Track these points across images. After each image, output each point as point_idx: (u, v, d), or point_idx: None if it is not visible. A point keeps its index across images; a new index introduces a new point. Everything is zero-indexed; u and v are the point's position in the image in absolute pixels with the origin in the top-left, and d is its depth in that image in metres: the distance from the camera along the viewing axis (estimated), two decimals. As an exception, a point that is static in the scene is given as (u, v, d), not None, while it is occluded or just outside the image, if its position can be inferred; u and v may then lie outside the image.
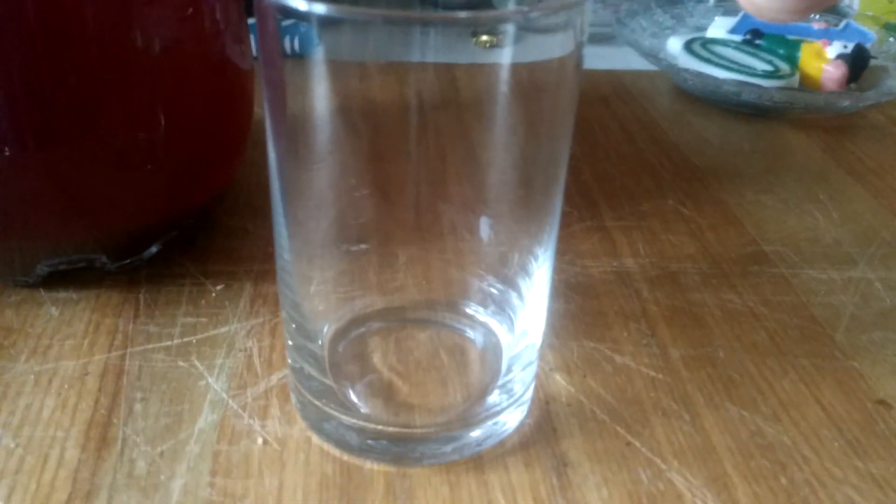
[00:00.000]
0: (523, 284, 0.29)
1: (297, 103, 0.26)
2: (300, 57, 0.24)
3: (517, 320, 0.29)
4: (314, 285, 0.29)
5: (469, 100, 0.26)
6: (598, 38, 0.68)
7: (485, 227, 0.29)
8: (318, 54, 0.24)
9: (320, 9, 0.21)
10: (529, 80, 0.25)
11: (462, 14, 0.23)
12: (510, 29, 0.24)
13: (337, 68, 0.24)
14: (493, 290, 0.30)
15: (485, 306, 0.30)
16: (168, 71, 0.32)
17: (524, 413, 0.29)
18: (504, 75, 0.25)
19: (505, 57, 0.24)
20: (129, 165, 0.32)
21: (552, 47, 0.24)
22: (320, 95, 0.25)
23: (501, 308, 0.30)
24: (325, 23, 0.23)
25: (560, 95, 0.25)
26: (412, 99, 0.26)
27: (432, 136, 0.26)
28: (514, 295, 0.29)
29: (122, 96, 0.31)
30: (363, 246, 0.29)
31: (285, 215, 0.27)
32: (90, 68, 0.30)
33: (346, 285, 0.30)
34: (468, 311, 0.31)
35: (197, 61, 0.34)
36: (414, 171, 0.27)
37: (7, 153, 0.30)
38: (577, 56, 0.25)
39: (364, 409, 0.28)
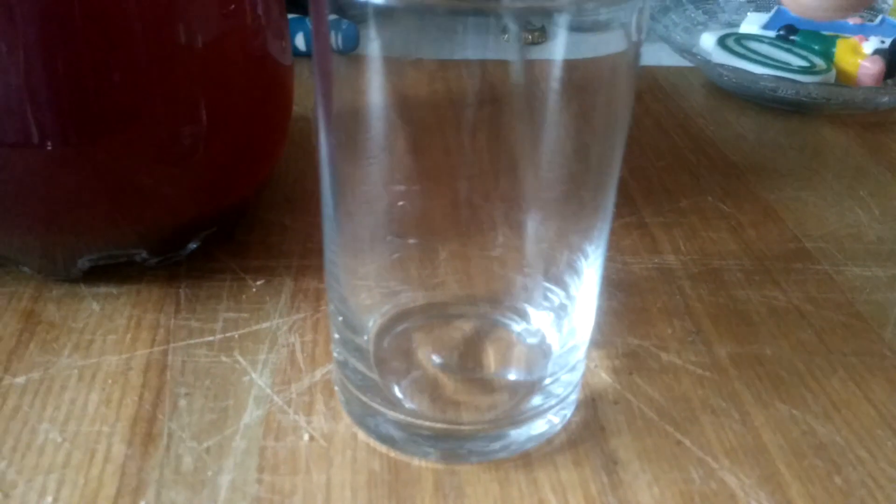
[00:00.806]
0: (572, 282, 0.28)
1: (346, 98, 0.25)
2: (342, 53, 0.24)
3: (565, 318, 0.29)
4: (361, 279, 0.29)
5: (518, 96, 0.26)
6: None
7: (534, 224, 0.28)
8: (369, 50, 0.23)
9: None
10: (578, 77, 0.25)
11: (519, 4, 0.22)
12: (549, 25, 0.24)
13: (385, 64, 0.24)
14: (541, 288, 0.30)
15: (532, 304, 0.30)
16: (211, 65, 0.32)
17: (571, 411, 0.29)
18: (555, 72, 0.24)
19: (556, 53, 0.24)
20: (172, 160, 0.32)
21: (601, 45, 0.24)
22: (369, 90, 0.25)
23: (549, 305, 0.30)
24: (378, 15, 0.22)
25: (612, 94, 0.25)
26: (461, 94, 0.26)
27: (481, 132, 0.26)
28: (562, 293, 0.29)
29: (166, 91, 0.31)
30: (411, 240, 0.29)
31: (335, 209, 0.26)
32: (134, 62, 0.30)
33: (392, 279, 0.30)
34: (515, 307, 0.30)
35: (239, 56, 0.33)
36: (463, 166, 0.27)
37: (50, 147, 0.30)
38: (632, 55, 0.24)
39: (410, 405, 0.28)
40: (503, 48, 0.24)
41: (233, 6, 0.32)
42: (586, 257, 0.27)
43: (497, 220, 0.29)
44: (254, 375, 0.30)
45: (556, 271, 0.29)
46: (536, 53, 0.24)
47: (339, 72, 0.25)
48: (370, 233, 0.29)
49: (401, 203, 0.28)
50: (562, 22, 0.23)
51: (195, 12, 0.31)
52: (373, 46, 0.23)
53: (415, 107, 0.26)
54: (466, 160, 0.27)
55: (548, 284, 0.29)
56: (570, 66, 0.24)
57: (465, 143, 0.27)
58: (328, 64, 0.24)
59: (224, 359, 0.31)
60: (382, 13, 0.22)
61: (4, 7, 0.28)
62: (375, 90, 0.25)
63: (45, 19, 0.28)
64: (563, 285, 0.29)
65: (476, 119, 0.26)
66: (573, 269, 0.28)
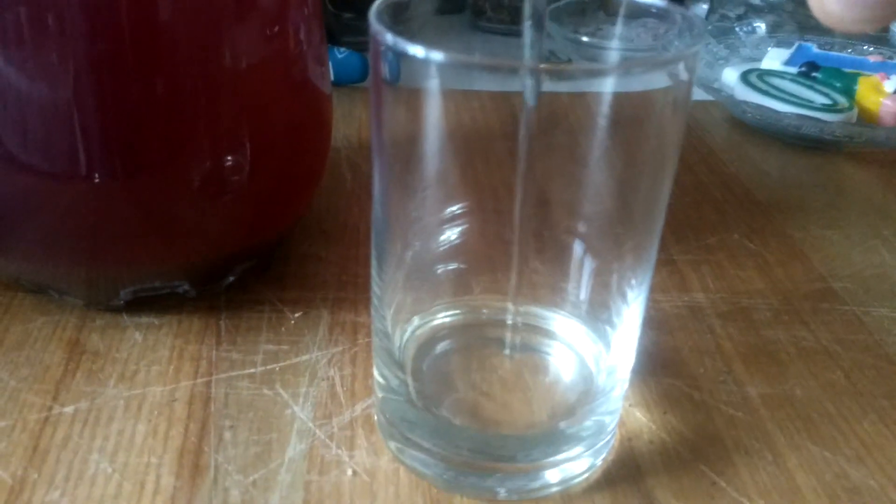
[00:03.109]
0: (613, 320, 0.29)
1: (393, 128, 0.26)
2: (391, 84, 0.25)
3: (606, 356, 0.29)
4: (403, 311, 0.30)
5: (565, 129, 0.27)
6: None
7: (577, 259, 0.29)
8: (414, 81, 0.24)
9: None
10: (624, 113, 0.25)
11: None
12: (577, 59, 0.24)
13: (429, 95, 0.24)
14: (585, 323, 0.30)
15: (575, 339, 0.31)
16: (254, 94, 0.33)
17: (608, 449, 0.29)
18: (601, 106, 0.25)
19: (599, 87, 0.24)
20: (218, 192, 0.33)
21: (644, 82, 0.25)
22: (414, 121, 0.25)
23: (591, 342, 0.30)
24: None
25: (658, 131, 0.26)
26: (507, 127, 0.27)
27: (530, 164, 0.27)
28: (605, 329, 0.30)
29: (210, 122, 0.32)
30: (454, 272, 0.30)
31: (385, 239, 0.27)
32: (181, 93, 0.30)
33: (437, 310, 0.31)
34: (558, 342, 0.31)
35: (283, 82, 0.34)
36: (510, 198, 0.28)
37: (97, 180, 0.31)
38: (681, 93, 0.25)
39: (451, 422, 0.28)
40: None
41: (276, 28, 0.33)
42: (628, 296, 0.28)
43: (542, 252, 0.30)
44: (296, 409, 0.31)
45: (599, 308, 0.30)
46: (584, 87, 0.25)
47: (387, 102, 0.25)
48: (418, 261, 0.30)
49: (445, 235, 0.29)
50: (593, 56, 0.24)
51: (240, 37, 0.31)
52: (417, 77, 0.24)
53: (461, 138, 0.26)
54: (516, 191, 0.28)
55: (591, 321, 0.30)
56: (617, 100, 0.25)
57: (511, 175, 0.28)
58: (379, 95, 0.25)
59: (266, 391, 0.31)
60: (446, 65, 0.23)
61: (55, 40, 0.28)
62: (420, 121, 0.25)
63: (94, 52, 0.29)
64: (605, 322, 0.30)
65: (523, 152, 0.27)
66: (616, 306, 0.29)
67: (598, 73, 0.23)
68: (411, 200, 0.28)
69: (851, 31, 0.22)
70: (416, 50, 0.22)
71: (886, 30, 0.72)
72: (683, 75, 0.24)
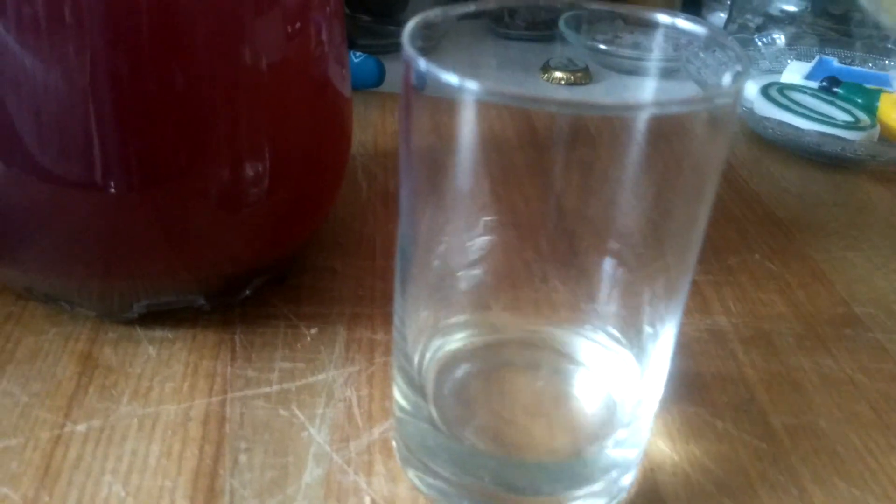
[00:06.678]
0: (646, 349, 0.28)
1: (420, 137, 0.25)
2: (419, 90, 0.24)
3: (631, 385, 0.29)
4: (428, 331, 0.29)
5: (598, 144, 0.26)
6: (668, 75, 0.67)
7: (608, 280, 0.28)
8: (440, 89, 0.23)
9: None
10: (656, 129, 0.24)
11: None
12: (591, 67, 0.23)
13: (465, 107, 0.23)
14: (610, 350, 0.30)
15: (599, 365, 0.30)
16: (274, 98, 0.32)
17: (632, 481, 0.29)
18: (634, 123, 0.24)
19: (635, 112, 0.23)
20: (236, 203, 0.32)
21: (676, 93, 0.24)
22: (447, 133, 0.25)
23: (616, 370, 0.30)
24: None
25: (694, 151, 0.25)
26: (543, 140, 0.26)
27: (561, 180, 0.26)
28: (631, 358, 0.29)
29: (229, 128, 0.31)
30: (477, 285, 0.29)
31: (413, 258, 0.27)
32: (198, 98, 0.30)
33: (459, 329, 0.30)
34: (583, 367, 0.30)
35: (303, 86, 0.33)
36: (540, 215, 0.27)
37: (113, 190, 0.30)
38: (719, 114, 0.24)
39: (472, 447, 0.28)
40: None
41: (298, 26, 0.32)
42: (657, 326, 0.27)
43: (569, 274, 0.29)
44: (312, 431, 0.30)
45: (626, 335, 0.29)
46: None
47: (415, 110, 0.24)
48: (441, 281, 0.29)
49: (471, 250, 0.29)
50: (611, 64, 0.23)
51: (260, 36, 0.30)
52: (443, 86, 0.23)
53: (492, 150, 0.25)
54: (546, 208, 0.27)
55: (615, 347, 0.30)
56: (653, 119, 0.23)
57: (546, 189, 0.27)
58: (408, 102, 0.24)
59: (282, 412, 0.31)
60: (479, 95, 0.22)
61: (71, 46, 0.28)
62: (450, 131, 0.25)
63: (111, 58, 0.28)
64: (633, 350, 0.29)
65: (553, 166, 0.26)
66: (645, 335, 0.28)
67: (633, 109, 0.23)
68: (439, 215, 0.28)
69: None
70: (450, 78, 0.21)
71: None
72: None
